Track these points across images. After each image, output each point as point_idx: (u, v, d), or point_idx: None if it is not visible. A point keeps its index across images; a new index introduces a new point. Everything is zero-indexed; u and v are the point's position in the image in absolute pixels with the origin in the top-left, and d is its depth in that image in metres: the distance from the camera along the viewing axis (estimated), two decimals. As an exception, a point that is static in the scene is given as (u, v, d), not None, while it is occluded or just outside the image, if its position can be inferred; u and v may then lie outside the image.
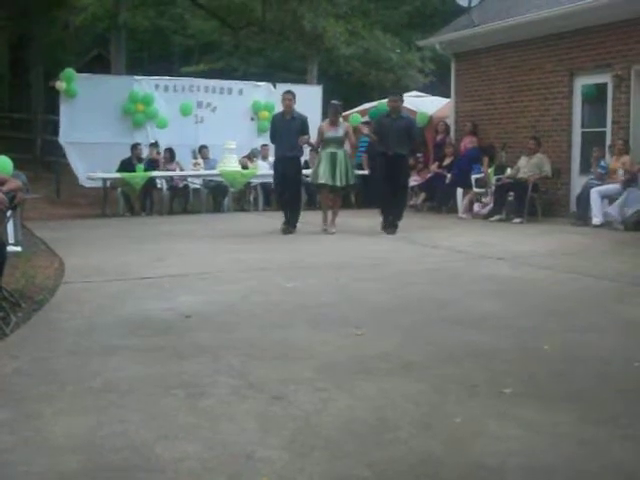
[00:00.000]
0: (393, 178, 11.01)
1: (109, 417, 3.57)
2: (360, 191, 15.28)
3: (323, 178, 11.23)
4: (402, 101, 11.89)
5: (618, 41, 12.59)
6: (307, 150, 12.86)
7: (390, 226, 11.07)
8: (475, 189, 14.38)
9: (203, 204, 15.79)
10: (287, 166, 11.38)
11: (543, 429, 3.39)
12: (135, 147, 15.52)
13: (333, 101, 11.80)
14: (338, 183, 11.26)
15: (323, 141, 11.37)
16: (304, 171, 12.68)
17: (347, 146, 11.82)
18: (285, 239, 10.65)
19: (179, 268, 7.95)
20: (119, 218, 14.46)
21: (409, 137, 11.20)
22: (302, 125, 11.35)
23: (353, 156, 16.75)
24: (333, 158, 11.22)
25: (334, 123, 11.41)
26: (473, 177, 14.44)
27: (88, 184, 15.56)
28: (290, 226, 11.27)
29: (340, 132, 11.34)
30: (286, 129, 11.31)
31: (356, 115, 17.01)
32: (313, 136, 11.62)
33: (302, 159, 12.18)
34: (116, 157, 15.24)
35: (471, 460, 3.07)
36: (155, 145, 15.93)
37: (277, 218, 11.13)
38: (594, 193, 11.97)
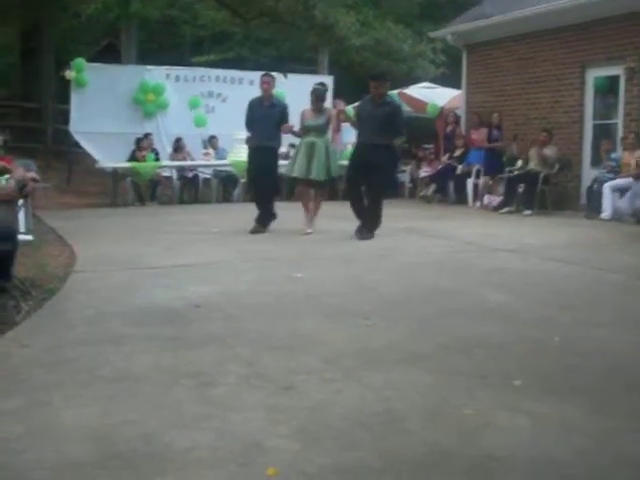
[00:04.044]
0: (366, 171, 9.47)
1: (119, 406, 3.58)
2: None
3: (297, 171, 10.07)
4: (387, 85, 10.09)
5: (631, 33, 12.50)
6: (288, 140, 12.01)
7: (362, 229, 9.61)
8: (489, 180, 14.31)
9: (213, 194, 15.81)
10: (263, 157, 10.35)
11: (553, 421, 3.38)
12: (146, 137, 15.53)
13: (316, 85, 10.49)
14: (313, 176, 9.98)
15: (304, 129, 10.18)
16: (282, 162, 11.61)
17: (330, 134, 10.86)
18: (293, 230, 10.52)
19: (189, 258, 7.96)
20: (129, 207, 14.49)
21: (391, 126, 9.49)
22: (281, 114, 10.32)
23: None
24: (311, 148, 9.95)
25: (316, 110, 10.14)
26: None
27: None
28: (260, 225, 10.26)
29: (321, 120, 10.10)
30: (264, 117, 10.26)
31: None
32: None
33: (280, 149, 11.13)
34: (126, 147, 15.28)
35: (481, 451, 3.07)
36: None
37: (286, 209, 11.02)
38: (606, 188, 11.92)
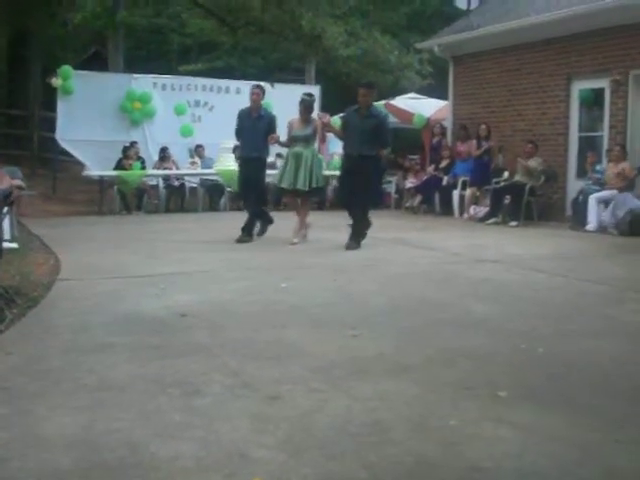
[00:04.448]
0: (355, 182, 9.54)
1: (103, 415, 3.56)
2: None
3: (285, 182, 10.07)
4: (374, 94, 10.29)
5: (616, 46, 12.60)
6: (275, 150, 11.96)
7: (350, 239, 9.67)
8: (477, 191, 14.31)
9: (200, 203, 15.80)
10: (250, 168, 10.45)
11: (538, 432, 3.38)
12: (132, 145, 15.52)
13: (304, 95, 10.42)
14: (300, 186, 9.98)
15: (291, 139, 10.21)
16: (270, 172, 11.62)
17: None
18: (280, 240, 10.48)
19: (174, 267, 7.94)
20: (115, 216, 14.46)
21: (378, 137, 9.56)
22: (269, 125, 10.34)
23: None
24: (298, 158, 9.99)
25: (304, 120, 10.21)
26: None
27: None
28: (246, 234, 10.27)
29: (309, 130, 10.13)
30: (251, 128, 10.32)
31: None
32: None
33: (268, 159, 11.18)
34: (113, 155, 15.26)
35: (466, 462, 3.06)
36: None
37: (274, 218, 11.01)
38: (592, 199, 11.98)
